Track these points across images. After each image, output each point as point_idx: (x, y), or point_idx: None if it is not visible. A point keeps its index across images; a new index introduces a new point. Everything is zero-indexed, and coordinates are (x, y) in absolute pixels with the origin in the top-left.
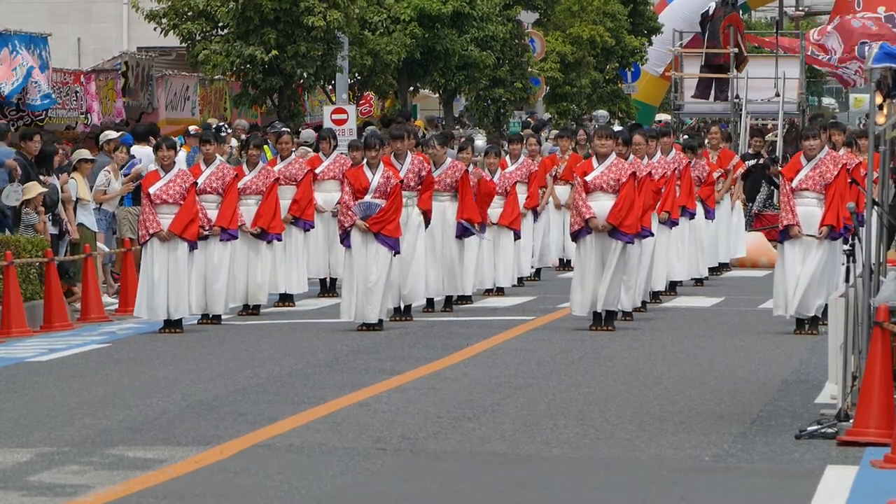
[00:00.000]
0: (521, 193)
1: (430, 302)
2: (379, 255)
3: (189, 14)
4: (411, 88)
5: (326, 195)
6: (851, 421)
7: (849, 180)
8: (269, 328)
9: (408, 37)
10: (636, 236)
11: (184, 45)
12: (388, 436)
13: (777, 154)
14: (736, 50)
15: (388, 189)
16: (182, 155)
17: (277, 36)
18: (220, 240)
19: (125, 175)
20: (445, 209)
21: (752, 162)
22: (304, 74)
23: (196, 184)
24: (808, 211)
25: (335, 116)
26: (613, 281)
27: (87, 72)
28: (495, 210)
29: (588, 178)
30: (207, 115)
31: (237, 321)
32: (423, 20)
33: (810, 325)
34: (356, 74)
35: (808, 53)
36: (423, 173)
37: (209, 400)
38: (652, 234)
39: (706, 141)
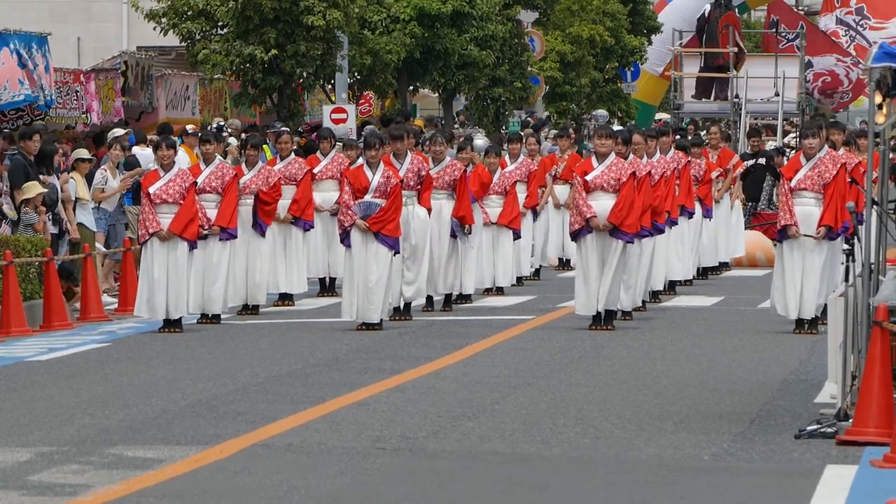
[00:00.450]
0: (521, 193)
1: (429, 301)
2: (379, 254)
3: (189, 13)
4: (411, 88)
5: (325, 195)
6: (851, 420)
7: (848, 180)
8: (269, 328)
9: (407, 36)
10: (636, 236)
11: (183, 44)
12: (388, 435)
13: (781, 145)
14: (736, 49)
15: (389, 189)
16: (182, 155)
17: (277, 35)
18: (220, 239)
19: (127, 171)
20: (442, 207)
21: (752, 161)
22: (304, 74)
23: (196, 183)
24: (807, 211)
25: (335, 116)
26: (613, 280)
27: (87, 71)
28: (495, 210)
29: (588, 178)
30: (208, 114)
31: (236, 321)
32: (422, 19)
33: (810, 324)
34: (356, 74)
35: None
36: (423, 173)
37: (208, 399)
38: (661, 231)
39: (706, 140)
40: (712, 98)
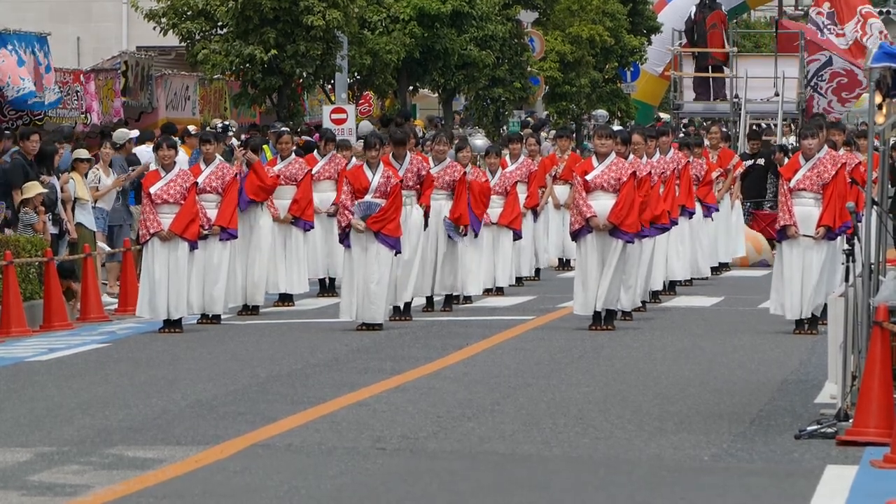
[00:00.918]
0: (521, 193)
1: (429, 301)
2: (380, 255)
3: (188, 13)
4: (410, 88)
5: (322, 195)
6: (851, 421)
7: (849, 180)
8: (269, 328)
9: (407, 36)
10: (638, 236)
11: (183, 44)
12: (388, 435)
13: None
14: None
15: (388, 189)
16: (183, 157)
17: (277, 35)
18: (220, 239)
19: (132, 169)
20: (441, 208)
21: (751, 162)
22: (304, 74)
23: (196, 184)
24: (806, 211)
25: (334, 116)
26: (613, 280)
27: (87, 71)
28: (495, 210)
29: (588, 178)
30: (208, 114)
31: (237, 321)
32: (422, 19)
33: (810, 324)
34: (355, 74)
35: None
36: (423, 173)
37: (209, 400)
38: (663, 231)
39: (706, 141)
40: (712, 98)
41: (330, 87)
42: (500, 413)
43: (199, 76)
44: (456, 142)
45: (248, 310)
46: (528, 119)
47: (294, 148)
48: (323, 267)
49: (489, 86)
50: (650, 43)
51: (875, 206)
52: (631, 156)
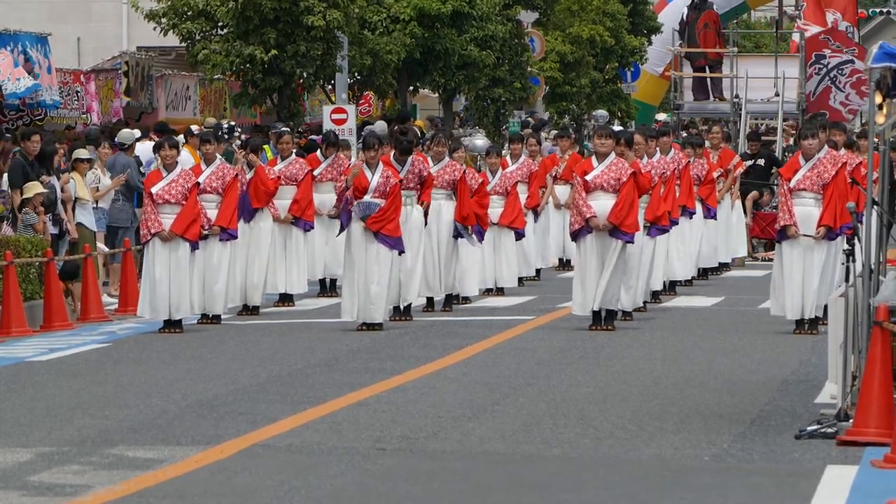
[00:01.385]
0: (522, 193)
1: (430, 302)
2: (380, 255)
3: (189, 14)
4: (411, 88)
5: (323, 196)
6: (851, 421)
7: (849, 180)
8: (269, 328)
9: (407, 36)
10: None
11: (183, 44)
12: (388, 436)
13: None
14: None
15: (388, 189)
16: (185, 156)
17: (277, 35)
18: (220, 239)
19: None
20: (441, 207)
21: (751, 162)
22: (304, 74)
23: (198, 184)
24: (806, 211)
25: (335, 116)
26: (612, 280)
27: (87, 71)
28: (496, 210)
29: (588, 178)
30: (208, 115)
31: (237, 321)
32: (422, 20)
33: (810, 325)
34: (356, 74)
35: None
36: (424, 174)
37: (209, 400)
38: (664, 231)
39: (706, 141)
40: (711, 98)
41: (330, 87)
42: (500, 413)
43: (200, 76)
44: (450, 143)
45: (248, 310)
46: (529, 119)
47: (295, 148)
48: (323, 267)
49: (489, 86)
50: (650, 43)
51: (875, 206)
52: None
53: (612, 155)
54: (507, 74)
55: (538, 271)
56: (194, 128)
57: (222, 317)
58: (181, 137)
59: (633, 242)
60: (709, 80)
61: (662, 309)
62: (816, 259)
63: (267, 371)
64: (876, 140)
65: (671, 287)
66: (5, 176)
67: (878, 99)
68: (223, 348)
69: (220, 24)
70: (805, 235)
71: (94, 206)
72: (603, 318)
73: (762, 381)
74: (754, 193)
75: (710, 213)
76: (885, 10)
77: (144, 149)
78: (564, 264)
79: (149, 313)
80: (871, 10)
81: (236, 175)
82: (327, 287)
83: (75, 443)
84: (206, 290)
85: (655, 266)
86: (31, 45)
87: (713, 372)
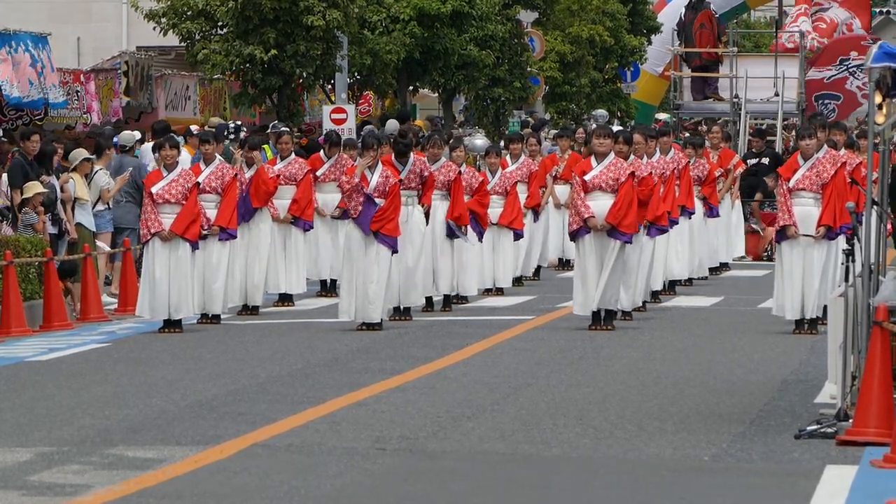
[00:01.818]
0: (522, 193)
1: (429, 301)
2: (379, 255)
3: (188, 13)
4: (411, 88)
5: (327, 196)
6: (851, 421)
7: (849, 180)
8: (269, 328)
9: (407, 36)
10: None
11: (183, 44)
12: (388, 436)
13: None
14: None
15: (387, 188)
16: (185, 156)
17: (277, 35)
18: (219, 239)
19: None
20: (437, 207)
21: (755, 161)
22: (304, 74)
23: (198, 184)
24: (805, 211)
25: (334, 116)
26: (612, 280)
27: (87, 71)
28: (495, 210)
29: (587, 178)
30: (208, 115)
31: (237, 321)
32: (422, 19)
33: (810, 324)
34: (355, 74)
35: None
36: (426, 174)
37: (209, 400)
38: (664, 231)
39: (707, 141)
40: (703, 98)
41: (330, 87)
42: (500, 413)
43: (199, 76)
44: (451, 141)
45: (248, 310)
46: (528, 119)
47: (295, 148)
48: (324, 268)
49: (489, 86)
50: (650, 43)
51: (875, 206)
52: (631, 156)
53: (612, 155)
54: (506, 74)
55: (538, 271)
56: (194, 128)
57: (222, 317)
58: (181, 138)
59: (631, 243)
60: (706, 79)
61: (662, 309)
62: (816, 259)
63: (267, 371)
64: (876, 140)
65: (671, 287)
66: (4, 175)
67: (878, 99)
68: (223, 348)
69: (219, 23)
70: (805, 235)
71: (107, 207)
72: (602, 318)
73: (762, 381)
74: (758, 196)
75: (712, 213)
76: (885, 10)
77: (148, 149)
78: (564, 264)
79: (148, 313)
80: (871, 11)
81: (235, 175)
82: (328, 287)
83: (75, 443)
84: (205, 290)
85: (655, 266)
86: (31, 44)
87: (713, 372)
